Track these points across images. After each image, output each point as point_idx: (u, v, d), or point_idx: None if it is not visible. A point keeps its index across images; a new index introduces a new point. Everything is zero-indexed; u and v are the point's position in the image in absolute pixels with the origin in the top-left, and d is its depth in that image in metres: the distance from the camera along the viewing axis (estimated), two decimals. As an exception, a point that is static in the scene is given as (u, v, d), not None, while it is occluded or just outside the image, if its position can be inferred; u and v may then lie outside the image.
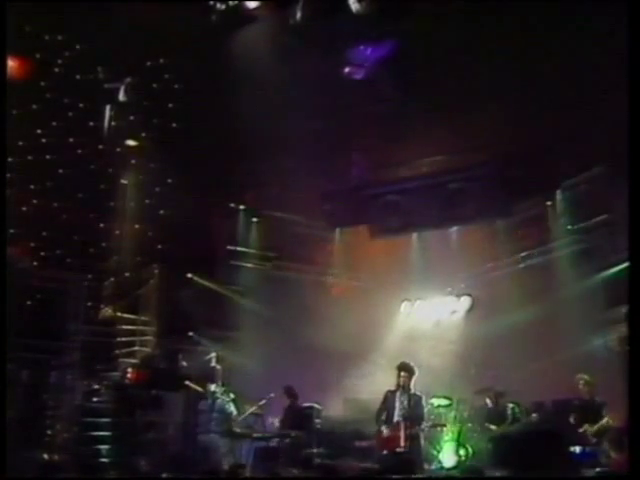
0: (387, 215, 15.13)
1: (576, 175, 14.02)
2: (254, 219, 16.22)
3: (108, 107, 14.46)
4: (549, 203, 14.54)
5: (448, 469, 12.19)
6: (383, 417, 10.89)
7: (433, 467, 12.20)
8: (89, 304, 13.70)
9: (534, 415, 12.03)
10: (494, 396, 12.44)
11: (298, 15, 13.35)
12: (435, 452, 12.53)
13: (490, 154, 14.25)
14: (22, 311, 11.64)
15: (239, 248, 15.92)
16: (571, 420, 11.02)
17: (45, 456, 11.03)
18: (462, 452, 12.47)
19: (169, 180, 15.10)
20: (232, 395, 11.79)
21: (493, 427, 12.09)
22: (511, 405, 12.12)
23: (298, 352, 13.83)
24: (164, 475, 8.26)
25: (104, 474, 9.28)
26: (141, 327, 14.03)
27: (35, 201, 14.12)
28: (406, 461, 9.43)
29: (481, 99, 13.18)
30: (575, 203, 14.17)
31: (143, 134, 14.77)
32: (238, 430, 11.52)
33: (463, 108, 13.42)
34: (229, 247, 15.82)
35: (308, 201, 15.25)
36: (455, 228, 15.44)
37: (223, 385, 11.94)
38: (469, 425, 12.85)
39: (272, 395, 12.11)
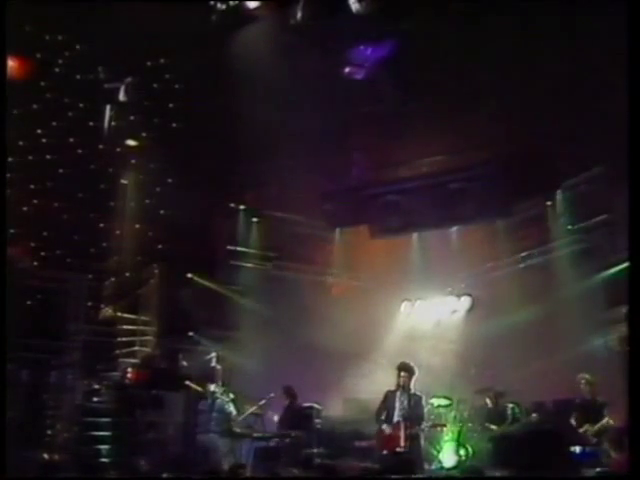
0: (387, 215, 15.12)
1: (576, 175, 14.01)
2: (254, 219, 16.21)
3: (108, 107, 14.46)
4: (549, 203, 14.53)
5: (448, 469, 12.18)
6: (383, 416, 10.89)
7: (433, 467, 12.20)
8: (89, 304, 13.70)
9: (534, 415, 12.04)
10: (494, 396, 12.45)
11: (298, 15, 13.37)
12: (435, 452, 12.53)
13: (490, 154, 14.25)
14: (22, 311, 11.63)
15: (239, 248, 15.90)
16: (572, 419, 11.04)
17: (45, 456, 11.03)
18: (462, 452, 12.46)
19: (169, 180, 15.10)
20: (231, 395, 11.79)
21: (493, 427, 12.11)
22: (511, 405, 12.13)
23: (298, 352, 13.83)
24: (164, 475, 8.26)
25: (104, 474, 9.28)
26: (141, 327, 14.03)
27: (35, 201, 14.11)
28: (406, 461, 9.43)
29: (481, 99, 13.20)
30: (575, 203, 14.16)
31: (143, 134, 14.77)
32: (238, 430, 11.51)
33: (463, 108, 13.44)
34: (229, 247, 15.81)
35: (308, 201, 15.25)
36: (455, 228, 15.43)
37: (223, 385, 11.93)
38: (469, 425, 12.84)
39: (272, 395, 12.11)
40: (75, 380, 12.62)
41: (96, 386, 12.93)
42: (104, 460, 11.71)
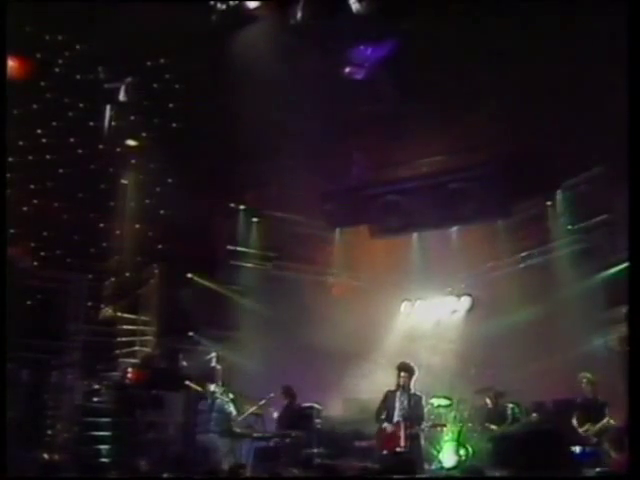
0: (387, 215, 15.12)
1: (576, 175, 14.02)
2: (254, 219, 16.20)
3: (108, 107, 14.46)
4: (549, 203, 14.54)
5: (448, 469, 12.18)
6: (383, 416, 10.90)
7: (433, 467, 12.20)
8: (89, 304, 13.71)
9: (534, 415, 12.05)
10: (494, 396, 12.45)
11: (299, 15, 13.38)
12: (435, 452, 12.53)
13: (490, 154, 14.25)
14: (22, 311, 11.63)
15: (239, 248, 15.90)
16: (574, 418, 11.05)
17: (45, 456, 11.04)
18: (462, 452, 12.46)
19: (169, 180, 15.10)
20: (231, 395, 11.79)
21: (493, 427, 12.11)
22: (511, 405, 12.14)
23: (298, 352, 13.81)
24: (164, 475, 8.24)
25: (104, 474, 9.26)
26: (141, 327, 14.04)
27: (35, 201, 14.11)
28: (406, 461, 9.41)
29: (481, 99, 13.19)
30: (575, 203, 14.16)
31: (143, 134, 14.77)
32: (238, 430, 11.51)
33: (463, 108, 13.43)
34: (229, 247, 15.80)
35: (308, 201, 15.25)
36: (455, 228, 15.43)
37: (223, 385, 11.94)
38: (469, 425, 12.85)
39: (272, 395, 12.11)
40: (75, 380, 12.63)
41: (96, 386, 12.94)
42: (104, 460, 11.73)
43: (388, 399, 10.95)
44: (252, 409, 11.89)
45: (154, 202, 15.06)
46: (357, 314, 14.79)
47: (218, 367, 12.45)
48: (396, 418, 10.75)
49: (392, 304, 15.71)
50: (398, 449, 10.46)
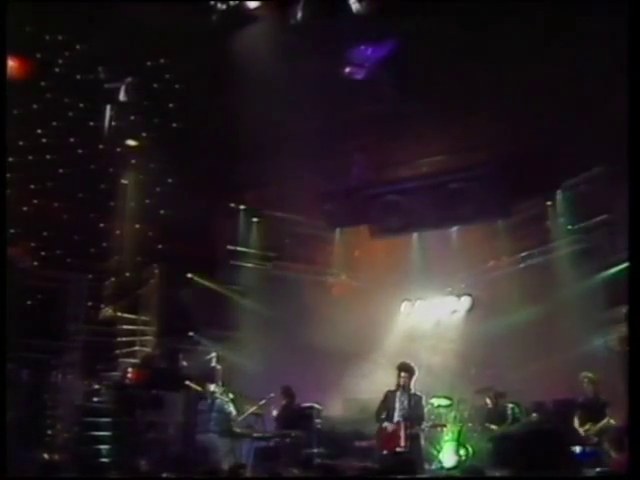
0: (387, 215, 15.11)
1: (576, 175, 14.02)
2: (254, 219, 16.21)
3: (108, 107, 14.47)
4: (549, 203, 14.54)
5: (448, 469, 12.18)
6: (383, 416, 10.90)
7: (433, 467, 12.20)
8: (89, 304, 13.70)
9: (534, 415, 12.05)
10: (494, 396, 12.45)
11: (299, 15, 13.38)
12: (435, 452, 12.53)
13: (490, 154, 14.25)
14: (22, 311, 11.62)
15: (239, 248, 15.91)
16: (575, 418, 11.05)
17: (45, 456, 11.03)
18: (462, 452, 12.46)
19: (169, 180, 15.12)
20: (231, 395, 11.80)
21: (493, 427, 12.11)
22: (511, 405, 12.14)
23: (298, 352, 13.81)
24: (164, 475, 8.25)
25: (104, 474, 9.25)
26: (141, 327, 14.03)
27: (35, 201, 14.12)
28: (406, 461, 9.40)
29: (481, 99, 13.19)
30: (575, 203, 14.17)
31: (143, 134, 14.78)
32: (238, 430, 11.53)
33: (463, 108, 13.43)
34: (229, 247, 15.81)
35: (308, 201, 15.25)
36: (455, 228, 15.42)
37: (223, 385, 11.94)
38: (469, 425, 12.85)
39: (272, 395, 12.12)
40: (75, 380, 12.62)
41: (96, 386, 12.94)
42: (104, 460, 11.71)
43: (388, 399, 10.96)
44: (252, 409, 11.90)
45: (154, 202, 15.07)
46: (357, 314, 14.79)
47: (218, 367, 12.46)
48: (396, 418, 10.76)
49: (392, 304, 15.71)
50: (398, 449, 10.47)
